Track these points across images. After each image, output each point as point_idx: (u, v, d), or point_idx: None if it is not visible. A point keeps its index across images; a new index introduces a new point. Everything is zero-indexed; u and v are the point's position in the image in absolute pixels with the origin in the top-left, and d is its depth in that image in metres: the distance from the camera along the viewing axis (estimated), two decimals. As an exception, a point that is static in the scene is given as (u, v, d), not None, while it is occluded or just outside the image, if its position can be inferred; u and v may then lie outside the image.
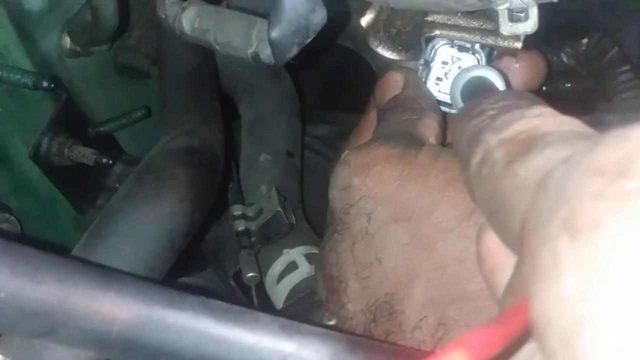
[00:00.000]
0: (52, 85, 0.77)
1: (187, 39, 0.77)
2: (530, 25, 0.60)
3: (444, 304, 0.47)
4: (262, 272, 0.86)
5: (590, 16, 0.79)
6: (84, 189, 0.93)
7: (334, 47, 0.96)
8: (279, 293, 0.84)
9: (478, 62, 0.63)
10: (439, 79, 0.65)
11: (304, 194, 0.97)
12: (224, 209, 0.93)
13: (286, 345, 0.33)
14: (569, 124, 0.33)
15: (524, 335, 0.27)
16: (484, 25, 0.66)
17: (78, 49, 0.88)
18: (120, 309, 0.32)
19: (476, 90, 0.59)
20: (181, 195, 0.73)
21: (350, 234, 0.54)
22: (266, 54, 0.69)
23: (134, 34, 0.98)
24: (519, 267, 0.29)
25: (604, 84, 0.79)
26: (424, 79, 0.65)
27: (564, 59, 0.80)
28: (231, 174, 0.96)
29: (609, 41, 0.79)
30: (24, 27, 0.81)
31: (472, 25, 0.66)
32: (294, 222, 0.86)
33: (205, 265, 0.99)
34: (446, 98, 0.64)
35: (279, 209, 0.85)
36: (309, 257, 0.85)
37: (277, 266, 0.86)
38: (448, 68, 0.64)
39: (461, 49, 0.64)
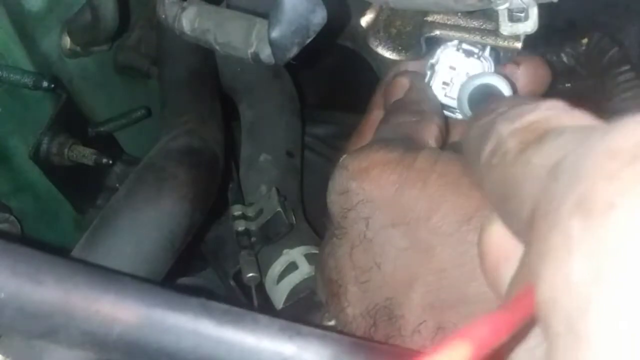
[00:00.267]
0: (52, 85, 0.77)
1: (187, 39, 0.77)
2: (530, 25, 0.60)
3: (443, 308, 0.47)
4: (262, 272, 0.86)
5: (590, 16, 0.79)
6: (84, 189, 0.93)
7: (334, 47, 0.96)
8: (279, 293, 0.84)
9: (485, 68, 0.63)
10: (445, 83, 0.65)
11: (304, 194, 0.97)
12: (224, 209, 0.93)
13: (286, 347, 0.33)
14: (582, 117, 0.33)
15: (529, 324, 0.27)
16: (484, 25, 0.66)
17: (78, 49, 0.88)
18: (121, 311, 0.32)
19: (484, 97, 0.59)
20: (181, 195, 0.73)
21: (349, 238, 0.53)
22: (266, 54, 0.69)
23: (134, 34, 0.98)
24: (526, 254, 0.29)
25: (604, 84, 0.79)
26: (430, 83, 0.65)
27: (564, 59, 0.80)
28: (231, 174, 0.96)
29: (609, 41, 0.79)
30: (24, 27, 0.81)
31: (472, 25, 0.66)
32: (294, 222, 0.86)
33: (205, 265, 0.99)
34: (452, 103, 0.64)
35: (279, 209, 0.85)
36: (309, 258, 0.85)
37: (277, 266, 0.86)
38: (455, 73, 0.64)
39: (468, 54, 0.64)
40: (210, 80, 0.91)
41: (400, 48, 0.71)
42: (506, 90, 0.60)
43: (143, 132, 1.00)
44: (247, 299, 0.90)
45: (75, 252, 0.67)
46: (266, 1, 0.67)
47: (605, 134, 0.26)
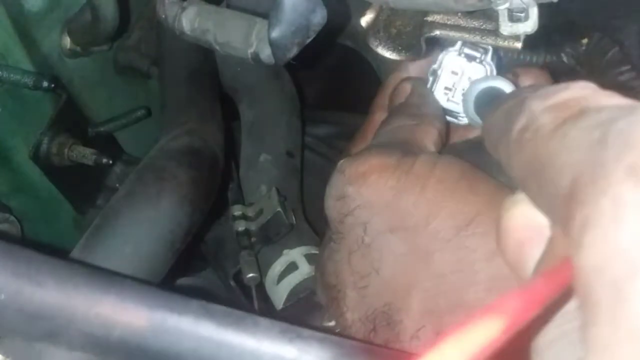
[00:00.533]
0: (52, 85, 0.77)
1: (187, 39, 0.77)
2: (530, 25, 0.60)
3: (441, 314, 0.47)
4: (262, 272, 0.86)
5: (590, 16, 0.79)
6: (84, 189, 0.93)
7: (335, 47, 0.96)
8: (279, 293, 0.84)
9: (487, 72, 0.63)
10: (447, 88, 0.65)
11: (304, 194, 0.97)
12: (224, 209, 0.93)
13: (287, 350, 0.32)
14: (617, 97, 0.32)
15: (562, 299, 0.27)
16: (484, 25, 0.66)
17: (78, 49, 0.88)
18: (122, 313, 0.32)
19: (490, 100, 0.59)
20: (181, 195, 0.73)
21: (346, 243, 0.53)
22: (266, 54, 0.68)
23: (134, 34, 0.98)
24: (565, 226, 0.28)
25: (604, 84, 0.79)
26: (432, 89, 0.65)
27: (564, 59, 0.80)
28: (231, 174, 0.96)
29: (609, 41, 0.79)
30: (24, 27, 0.81)
31: (472, 25, 0.66)
32: (294, 222, 0.86)
33: (205, 265, 0.99)
34: (455, 107, 0.64)
35: (279, 209, 0.85)
36: (309, 258, 0.85)
37: (277, 266, 0.86)
38: (457, 78, 0.64)
39: (470, 59, 0.64)
40: (210, 80, 0.91)
41: (400, 48, 0.71)
42: None
43: (143, 132, 0.99)
44: (247, 299, 0.90)
45: (75, 252, 0.67)
46: (266, 1, 0.67)
47: None
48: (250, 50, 0.70)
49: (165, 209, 0.71)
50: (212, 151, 0.80)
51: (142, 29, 0.98)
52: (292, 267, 0.85)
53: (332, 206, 0.55)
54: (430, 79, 0.65)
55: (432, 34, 0.67)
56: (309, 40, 0.64)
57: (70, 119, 0.87)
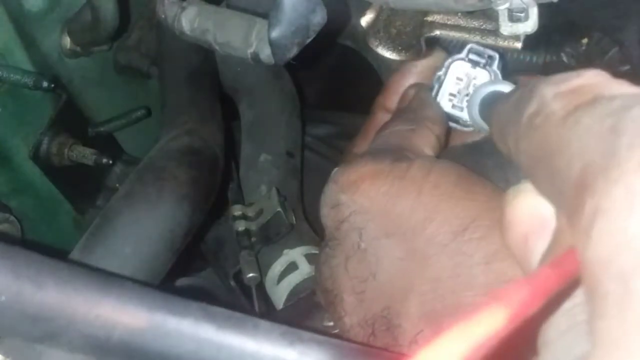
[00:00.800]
0: (52, 85, 0.77)
1: (186, 39, 0.77)
2: (530, 25, 0.60)
3: (440, 318, 0.47)
4: (262, 272, 0.86)
5: (590, 16, 0.79)
6: (84, 189, 0.93)
7: (335, 47, 0.96)
8: (279, 293, 0.84)
9: (492, 78, 0.63)
10: (452, 95, 0.64)
11: (304, 194, 0.97)
12: (224, 209, 0.93)
13: (287, 352, 0.32)
14: (629, 85, 0.31)
15: (569, 288, 0.26)
16: (484, 26, 0.66)
17: (78, 49, 0.88)
18: (122, 315, 0.32)
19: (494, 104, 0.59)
20: (181, 195, 0.73)
21: (342, 249, 0.53)
22: (266, 54, 0.68)
23: (134, 34, 0.98)
24: (572, 216, 0.28)
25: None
26: (437, 95, 0.65)
27: (564, 59, 0.80)
28: (231, 174, 0.96)
29: (609, 41, 0.79)
30: (24, 27, 0.81)
31: (472, 26, 0.66)
32: (294, 222, 0.86)
33: (205, 265, 0.99)
34: (460, 114, 0.64)
35: (279, 209, 0.85)
36: (309, 258, 0.85)
37: (277, 266, 0.86)
38: (462, 84, 0.64)
39: (475, 64, 0.64)
40: (210, 80, 0.91)
41: (400, 48, 0.71)
42: None
43: (143, 132, 0.99)
44: (247, 299, 0.90)
45: (75, 252, 0.67)
46: (266, 1, 0.67)
47: None
48: (250, 50, 0.70)
49: (165, 209, 0.71)
50: (212, 151, 0.80)
51: (142, 29, 0.98)
52: (292, 267, 0.85)
53: (327, 214, 0.56)
54: (436, 85, 0.65)
55: (432, 34, 0.67)
56: (309, 40, 0.64)
57: (70, 119, 0.87)
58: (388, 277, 0.50)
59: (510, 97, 0.37)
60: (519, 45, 0.64)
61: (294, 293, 0.83)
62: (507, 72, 0.65)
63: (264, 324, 0.33)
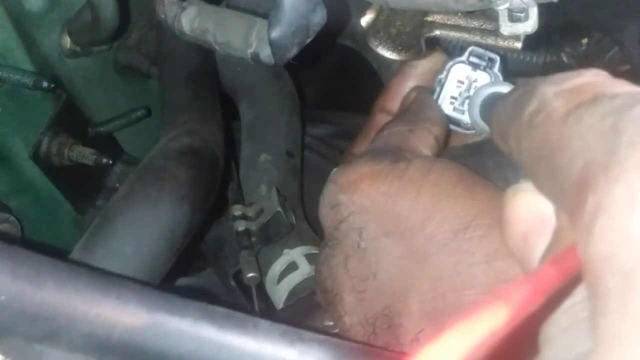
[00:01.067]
0: (52, 85, 0.77)
1: (186, 39, 0.77)
2: (530, 25, 0.60)
3: (441, 317, 0.47)
4: (262, 272, 0.86)
5: (590, 16, 0.79)
6: (84, 189, 0.93)
7: (335, 47, 0.96)
8: (279, 293, 0.84)
9: (493, 79, 0.63)
10: (453, 97, 0.64)
11: (304, 194, 0.97)
12: (224, 209, 0.93)
13: (287, 352, 0.32)
14: (630, 84, 0.31)
15: (571, 286, 0.26)
16: (483, 26, 0.66)
17: (78, 49, 0.88)
18: (122, 314, 0.32)
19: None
20: (181, 195, 0.73)
21: (342, 249, 0.53)
22: (266, 54, 0.68)
23: (134, 34, 0.98)
24: (574, 214, 0.28)
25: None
26: (439, 98, 0.65)
27: (564, 59, 0.80)
28: (231, 174, 0.96)
29: (609, 41, 0.79)
30: (24, 27, 0.81)
31: (472, 26, 0.66)
32: (294, 222, 0.86)
33: (205, 265, 0.99)
34: (461, 117, 0.64)
35: (279, 209, 0.85)
36: (309, 257, 0.85)
37: (277, 266, 0.86)
38: (464, 87, 0.64)
39: (475, 67, 0.64)
40: (210, 80, 0.91)
41: (400, 48, 0.71)
42: None
43: (143, 132, 0.99)
44: (247, 299, 0.90)
45: (75, 253, 0.67)
46: (266, 1, 0.67)
47: None
48: (250, 50, 0.70)
49: (165, 209, 0.71)
50: (212, 151, 0.80)
51: (142, 29, 0.98)
52: (292, 266, 0.85)
53: (326, 215, 0.56)
54: (437, 88, 0.65)
55: (432, 34, 0.67)
56: (309, 40, 0.64)
57: (70, 119, 0.87)
58: (388, 276, 0.50)
59: (510, 97, 0.37)
60: (519, 45, 0.64)
61: (294, 293, 0.83)
62: (508, 74, 0.65)
63: (264, 323, 0.33)
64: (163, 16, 0.78)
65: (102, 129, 0.92)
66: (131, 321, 0.31)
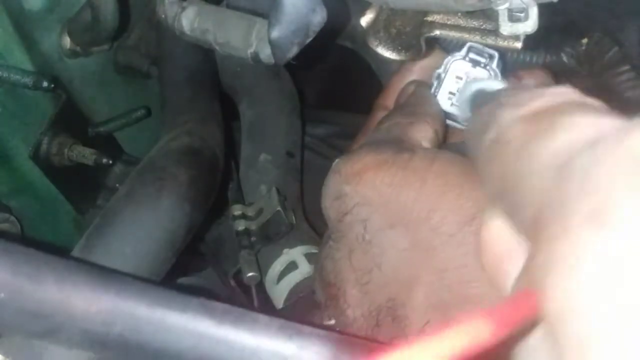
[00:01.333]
0: (52, 85, 0.77)
1: (186, 39, 0.77)
2: (530, 25, 0.60)
3: (447, 308, 0.47)
4: (262, 271, 0.87)
5: (590, 16, 0.79)
6: (84, 189, 0.93)
7: (334, 47, 0.96)
8: (279, 293, 0.84)
9: (492, 76, 0.63)
10: (451, 93, 0.64)
11: (304, 194, 0.97)
12: (224, 209, 0.93)
13: (286, 346, 0.33)
14: (596, 107, 0.30)
15: (532, 324, 0.26)
16: (483, 25, 0.66)
17: (78, 49, 0.88)
18: (121, 310, 0.32)
19: (484, 102, 0.59)
20: (181, 195, 0.73)
21: (346, 242, 0.53)
22: (266, 54, 0.69)
23: (134, 34, 0.98)
24: (532, 256, 0.27)
25: (603, 84, 0.79)
26: (436, 93, 0.65)
27: (564, 59, 0.80)
28: (231, 174, 0.96)
29: (609, 41, 0.79)
30: (24, 27, 0.81)
31: (472, 25, 0.66)
32: (294, 222, 0.87)
33: (205, 265, 0.99)
34: (458, 112, 0.64)
35: (279, 208, 0.85)
36: (309, 257, 0.85)
37: (277, 266, 0.86)
38: (462, 83, 0.64)
39: (475, 64, 0.64)
40: (210, 80, 0.91)
41: (400, 48, 0.71)
42: None
43: (143, 132, 1.00)
44: (247, 299, 0.90)
45: (75, 252, 0.67)
46: (266, 1, 0.67)
47: (623, 134, 0.24)
48: (250, 50, 0.70)
49: (165, 209, 0.71)
50: (212, 151, 0.80)
51: (142, 29, 0.98)
52: (292, 266, 0.85)
53: (330, 206, 0.55)
54: (435, 83, 0.65)
55: (432, 34, 0.67)
56: (309, 40, 0.64)
57: (70, 119, 0.87)
58: (393, 268, 0.50)
59: (479, 110, 0.37)
60: (518, 45, 0.64)
61: (293, 292, 0.83)
62: (507, 71, 0.65)
63: (263, 318, 0.33)
64: (163, 16, 0.78)
65: (102, 129, 0.92)
66: (130, 317, 0.31)
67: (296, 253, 0.86)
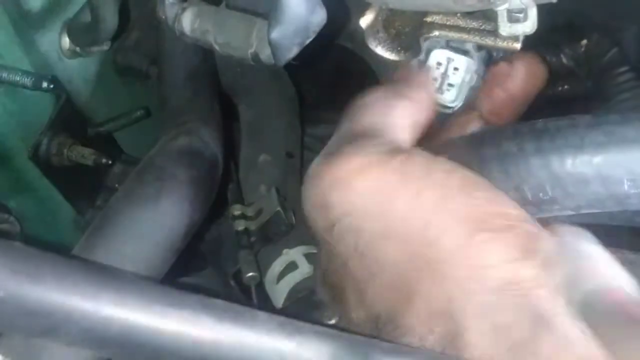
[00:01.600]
0: (52, 86, 0.77)
1: (186, 39, 0.77)
2: (529, 25, 0.60)
3: (450, 317, 0.46)
4: (261, 271, 0.86)
5: (589, 17, 0.79)
6: (83, 189, 0.94)
7: (334, 48, 0.96)
8: (279, 293, 0.84)
9: (473, 64, 0.64)
10: (433, 79, 0.64)
11: (303, 194, 0.97)
12: (224, 209, 0.93)
13: (285, 343, 0.33)
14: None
15: None
16: (483, 26, 0.66)
17: (78, 49, 0.88)
18: (120, 308, 0.32)
19: None
20: (181, 195, 0.73)
21: (339, 253, 0.50)
22: (266, 54, 0.69)
23: (133, 34, 0.98)
24: None
25: (603, 85, 0.79)
26: None
27: (563, 60, 0.80)
28: (231, 174, 0.96)
29: (608, 42, 0.79)
30: (23, 27, 0.81)
31: (471, 26, 0.66)
32: (294, 222, 0.86)
33: (205, 265, 0.99)
34: (441, 99, 0.64)
35: (279, 208, 0.85)
36: (308, 257, 0.85)
37: (277, 266, 0.86)
38: (443, 69, 0.64)
39: (456, 50, 0.64)
40: (210, 81, 0.92)
41: (399, 48, 0.71)
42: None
43: (143, 132, 1.00)
44: (246, 299, 0.90)
45: (75, 252, 0.67)
46: (266, 1, 0.67)
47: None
48: (250, 51, 0.70)
49: (165, 209, 0.72)
50: (211, 151, 0.80)
51: (141, 29, 0.98)
52: (291, 266, 0.85)
53: (314, 216, 0.50)
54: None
55: (431, 35, 0.67)
56: (308, 41, 0.64)
57: (70, 119, 0.87)
58: (390, 279, 0.49)
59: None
60: (518, 45, 0.64)
61: (293, 292, 0.83)
62: (491, 56, 0.66)
63: (262, 315, 0.33)
64: (163, 17, 0.78)
65: (102, 129, 0.93)
66: (129, 315, 0.32)
67: (296, 253, 0.86)
